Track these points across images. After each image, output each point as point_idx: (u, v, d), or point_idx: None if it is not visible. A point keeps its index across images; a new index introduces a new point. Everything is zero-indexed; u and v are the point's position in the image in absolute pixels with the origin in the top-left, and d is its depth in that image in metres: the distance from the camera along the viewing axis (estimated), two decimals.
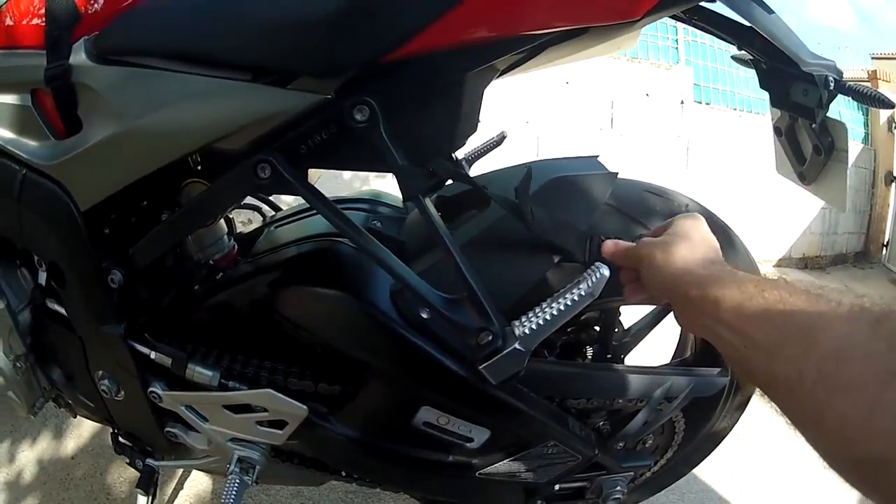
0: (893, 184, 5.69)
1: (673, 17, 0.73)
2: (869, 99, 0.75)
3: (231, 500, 0.82)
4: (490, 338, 0.64)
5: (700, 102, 4.42)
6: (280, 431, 0.79)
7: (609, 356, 0.95)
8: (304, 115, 0.62)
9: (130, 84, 0.64)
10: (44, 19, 0.64)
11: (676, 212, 0.86)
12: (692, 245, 0.59)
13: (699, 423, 1.02)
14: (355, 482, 0.95)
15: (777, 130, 0.88)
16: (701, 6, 0.69)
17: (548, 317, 0.64)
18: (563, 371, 0.87)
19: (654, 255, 0.60)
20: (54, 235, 0.73)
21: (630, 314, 0.98)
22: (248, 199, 0.93)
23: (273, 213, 1.07)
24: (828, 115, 0.77)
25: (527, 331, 0.64)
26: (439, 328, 0.71)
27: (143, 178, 0.68)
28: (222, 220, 0.86)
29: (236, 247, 0.89)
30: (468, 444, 0.81)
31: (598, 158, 0.87)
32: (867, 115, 5.66)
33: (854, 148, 5.37)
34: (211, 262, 0.85)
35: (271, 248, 0.85)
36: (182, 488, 1.35)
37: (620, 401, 0.89)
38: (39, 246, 0.77)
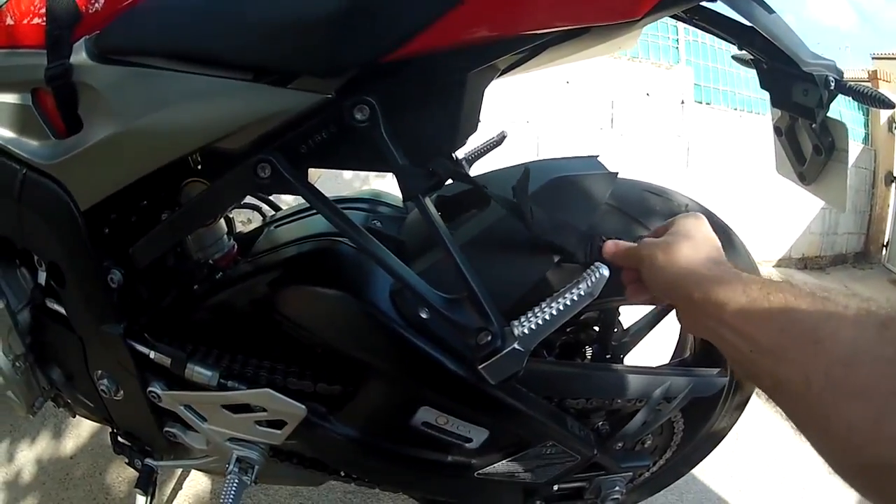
0: (893, 184, 5.69)
1: (673, 16, 0.73)
2: (869, 99, 0.75)
3: (230, 500, 0.82)
4: (489, 338, 0.64)
5: (700, 102, 4.41)
6: (279, 431, 0.79)
7: (608, 356, 0.95)
8: (305, 114, 0.62)
9: (131, 83, 0.64)
10: (44, 19, 0.64)
11: (676, 211, 0.86)
12: (695, 245, 0.59)
13: (698, 423, 1.02)
14: (354, 482, 0.95)
15: (777, 130, 0.88)
16: (701, 6, 0.69)
17: (547, 317, 0.64)
18: (563, 371, 0.87)
19: (656, 255, 0.59)
20: (54, 235, 0.73)
21: (629, 314, 0.98)
22: (248, 199, 0.93)
23: (273, 212, 1.07)
24: (828, 115, 0.77)
25: (526, 331, 0.64)
26: (439, 328, 0.71)
27: (143, 177, 0.68)
28: (222, 220, 0.86)
29: (236, 246, 0.89)
30: (467, 445, 0.81)
31: (599, 158, 0.87)
32: (867, 116, 5.66)
33: (854, 148, 5.37)
34: (211, 261, 0.85)
35: (271, 248, 0.85)
36: (181, 488, 1.35)
37: (619, 401, 0.89)
38: (39, 245, 0.77)
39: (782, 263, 4.92)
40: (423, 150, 0.64)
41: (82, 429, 1.47)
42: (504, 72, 0.73)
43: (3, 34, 0.67)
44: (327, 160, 0.68)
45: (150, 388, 0.79)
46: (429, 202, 0.65)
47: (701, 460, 1.11)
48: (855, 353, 0.39)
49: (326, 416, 0.79)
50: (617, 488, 0.95)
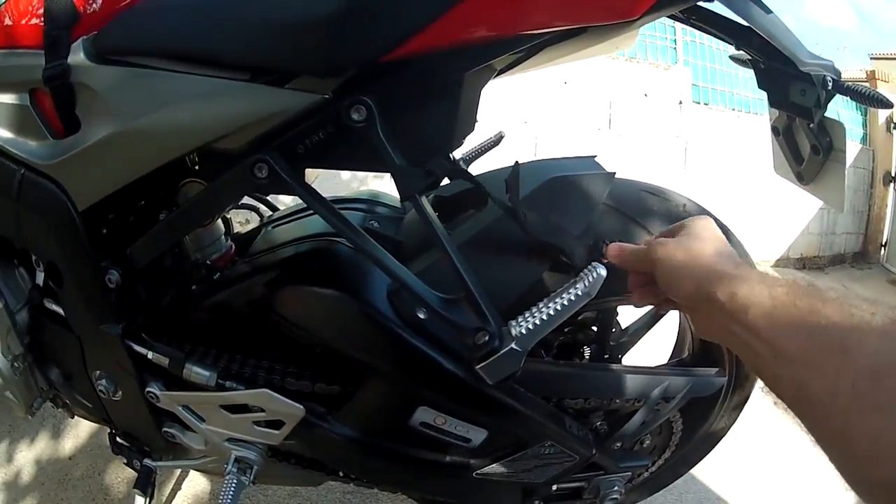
0: (892, 184, 5.69)
1: (671, 17, 0.73)
2: (867, 99, 0.75)
3: (228, 501, 0.82)
4: (487, 338, 0.64)
5: (698, 102, 4.41)
6: (277, 431, 0.79)
7: (606, 356, 0.95)
8: (302, 114, 0.62)
9: (129, 84, 0.64)
10: (42, 19, 0.64)
11: (674, 211, 0.86)
12: (714, 245, 0.57)
13: (697, 423, 1.02)
14: (353, 482, 0.95)
15: (775, 130, 0.88)
16: (699, 6, 0.69)
17: (544, 317, 0.64)
18: (561, 371, 0.87)
19: (675, 254, 0.56)
20: (52, 235, 0.73)
21: (627, 314, 0.98)
22: (246, 199, 0.93)
23: (270, 212, 1.07)
24: (826, 114, 0.77)
25: (523, 331, 0.64)
26: (436, 328, 0.71)
27: (141, 177, 0.68)
28: (220, 220, 0.86)
29: (234, 247, 0.89)
30: (465, 445, 0.81)
31: (596, 158, 0.87)
32: (865, 116, 5.65)
33: (852, 148, 5.37)
34: (208, 261, 0.85)
35: (269, 248, 0.85)
36: (180, 488, 1.35)
37: (618, 401, 0.89)
38: (37, 246, 0.77)
39: (780, 263, 4.92)
40: (420, 151, 0.64)
41: (81, 429, 1.47)
42: (501, 72, 0.74)
43: (1, 34, 0.67)
44: (324, 160, 0.68)
45: (148, 389, 0.79)
46: (426, 202, 0.66)
47: (700, 460, 1.11)
48: (882, 365, 0.37)
49: (325, 416, 0.79)
50: (616, 488, 0.95)
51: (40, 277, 0.81)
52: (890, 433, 0.36)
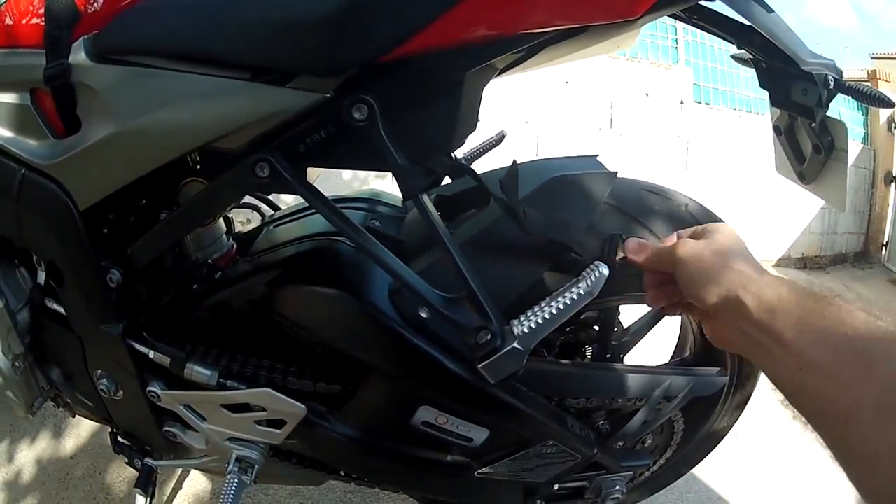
0: (893, 184, 5.69)
1: (672, 16, 0.73)
2: (869, 98, 0.75)
3: (229, 500, 0.82)
4: (489, 337, 0.64)
5: (700, 102, 4.41)
6: (278, 431, 0.79)
7: (608, 356, 0.95)
8: (303, 113, 0.62)
9: (130, 83, 0.64)
10: (43, 18, 0.64)
11: (676, 211, 0.86)
12: (740, 250, 0.55)
13: (698, 422, 1.02)
14: (354, 482, 0.95)
15: (777, 130, 0.88)
16: (700, 5, 0.69)
17: (546, 316, 0.64)
18: (562, 370, 0.87)
19: (703, 256, 0.54)
20: (53, 235, 0.73)
21: (629, 313, 0.98)
22: (247, 199, 0.93)
23: (272, 212, 1.07)
24: (827, 114, 0.77)
25: (525, 330, 0.64)
26: (438, 327, 0.71)
27: (141, 177, 0.68)
28: (221, 220, 0.86)
29: (235, 246, 0.89)
30: (467, 444, 0.81)
31: (598, 158, 0.87)
32: (867, 115, 5.65)
33: (854, 148, 5.36)
34: (210, 261, 0.85)
35: (270, 248, 0.85)
36: (181, 488, 1.35)
37: (619, 400, 0.89)
38: (38, 245, 0.77)
39: (782, 263, 4.91)
40: (421, 150, 0.64)
41: (82, 428, 1.47)
42: (502, 71, 0.73)
43: (2, 34, 0.67)
44: (326, 159, 0.68)
45: (149, 388, 0.79)
46: (428, 201, 0.65)
47: (701, 460, 1.11)
48: None
49: (326, 415, 0.79)
50: (617, 487, 0.95)
51: (41, 277, 0.80)
52: None
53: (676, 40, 4.33)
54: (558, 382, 0.85)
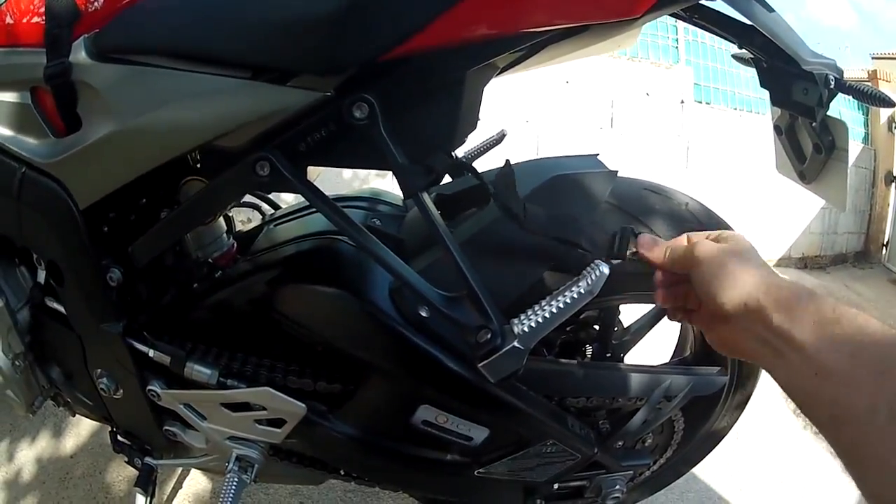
0: (893, 183, 5.69)
1: (673, 15, 0.73)
2: (869, 98, 0.75)
3: (229, 499, 0.82)
4: (489, 336, 0.64)
5: (700, 102, 4.41)
6: (278, 430, 0.79)
7: (608, 355, 0.94)
8: (304, 112, 0.62)
9: (130, 82, 0.64)
10: (44, 17, 0.64)
11: (676, 210, 0.86)
12: (756, 256, 0.54)
13: (698, 422, 1.02)
14: (354, 481, 0.95)
15: (777, 129, 0.88)
16: (701, 4, 0.69)
17: (547, 315, 0.63)
18: (563, 370, 0.86)
19: (725, 258, 0.53)
20: (53, 233, 0.73)
21: (630, 312, 0.98)
22: (248, 197, 0.93)
23: (272, 211, 1.07)
24: (828, 113, 0.77)
25: (526, 329, 0.63)
26: (438, 326, 0.71)
27: (142, 175, 0.68)
28: (221, 219, 0.86)
29: (235, 245, 0.89)
30: (467, 443, 0.81)
31: (599, 157, 0.87)
32: (867, 115, 5.65)
33: (854, 147, 5.36)
34: (210, 260, 0.84)
35: (270, 246, 0.85)
36: (181, 487, 1.35)
37: (620, 399, 0.89)
38: (38, 244, 0.77)
39: (782, 263, 4.91)
40: (422, 148, 0.64)
41: (82, 428, 1.47)
42: (503, 70, 0.73)
43: (3, 33, 0.67)
44: (326, 158, 0.68)
45: (149, 387, 0.79)
46: (428, 200, 0.65)
47: (701, 459, 1.11)
48: None
49: (326, 414, 0.79)
50: (617, 487, 0.95)
51: (41, 276, 0.80)
52: None
53: (677, 40, 4.33)
54: (558, 381, 0.85)
